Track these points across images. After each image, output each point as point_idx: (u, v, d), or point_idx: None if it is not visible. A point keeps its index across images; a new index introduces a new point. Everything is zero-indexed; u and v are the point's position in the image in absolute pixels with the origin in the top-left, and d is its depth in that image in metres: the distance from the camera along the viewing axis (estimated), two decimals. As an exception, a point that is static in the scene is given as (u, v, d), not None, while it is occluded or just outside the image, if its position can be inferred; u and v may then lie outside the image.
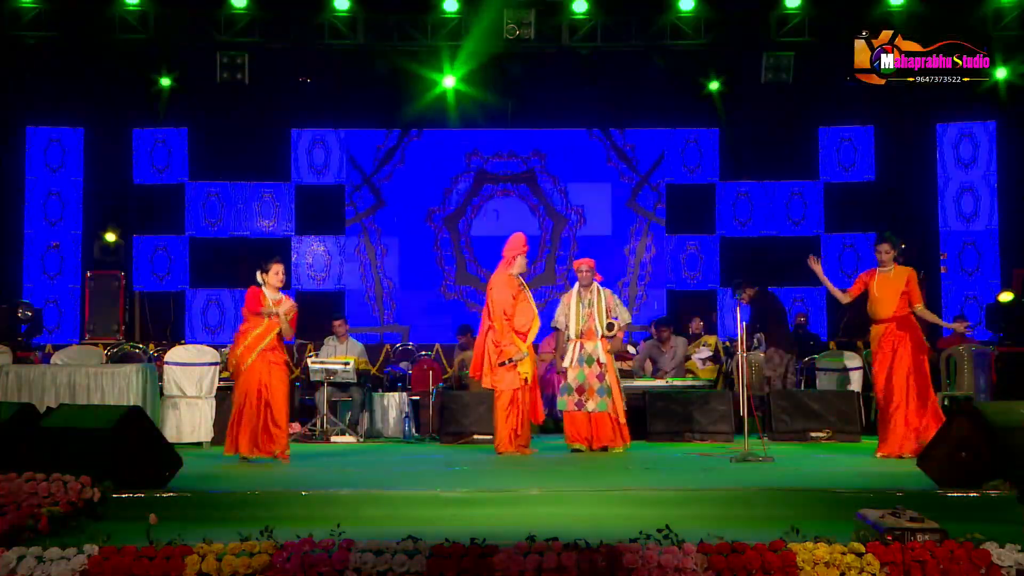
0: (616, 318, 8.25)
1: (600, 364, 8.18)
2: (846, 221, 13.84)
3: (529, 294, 8.40)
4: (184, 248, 14.01)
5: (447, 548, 4.12)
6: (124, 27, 12.07)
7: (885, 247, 7.86)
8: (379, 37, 12.33)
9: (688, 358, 11.07)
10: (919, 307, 7.83)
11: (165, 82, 12.95)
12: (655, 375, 10.52)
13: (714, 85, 13.17)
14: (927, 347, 7.90)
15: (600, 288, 8.37)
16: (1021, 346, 10.37)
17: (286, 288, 8.45)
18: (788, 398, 9.56)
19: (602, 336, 8.22)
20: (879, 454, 7.71)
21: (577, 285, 8.39)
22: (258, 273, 7.80)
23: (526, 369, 8.12)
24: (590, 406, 8.11)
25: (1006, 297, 11.34)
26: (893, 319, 7.78)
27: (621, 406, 8.24)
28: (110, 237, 13.21)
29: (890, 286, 7.79)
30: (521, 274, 8.38)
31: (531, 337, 8.22)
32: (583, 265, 8.39)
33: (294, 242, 14.10)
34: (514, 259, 8.29)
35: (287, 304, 7.80)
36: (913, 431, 7.59)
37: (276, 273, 7.80)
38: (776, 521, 4.73)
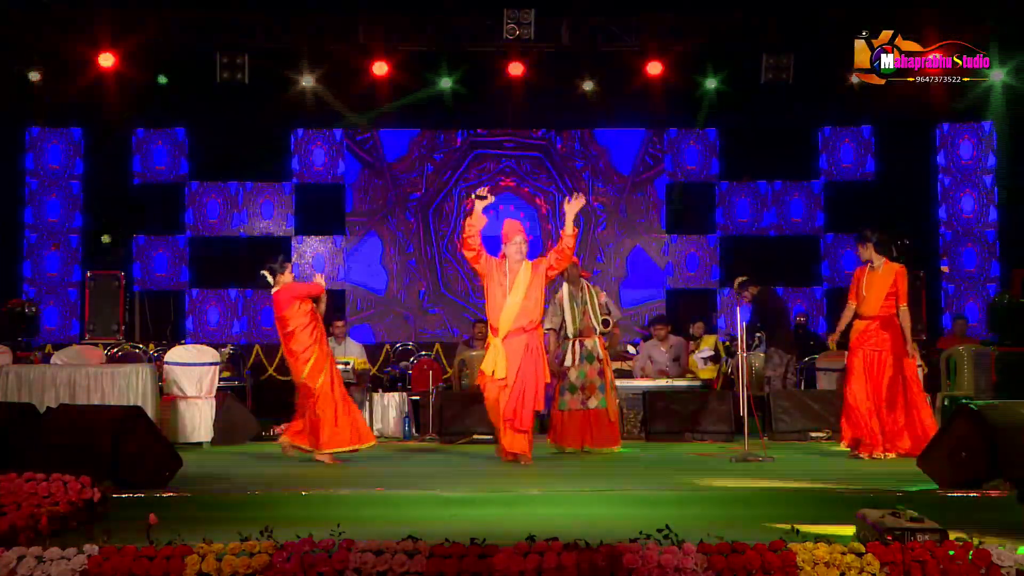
0: (610, 313, 8.34)
1: (600, 360, 8.26)
2: (846, 221, 13.83)
3: (499, 282, 7.53)
4: (184, 248, 14.01)
5: (447, 548, 4.12)
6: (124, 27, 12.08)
7: (860, 247, 7.91)
8: (379, 37, 12.34)
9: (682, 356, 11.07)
10: (902, 307, 7.79)
11: (165, 78, 12.92)
12: (655, 374, 10.52)
13: (712, 84, 13.14)
14: (904, 352, 7.85)
15: (589, 285, 8.42)
16: (1021, 346, 10.36)
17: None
18: (788, 398, 9.57)
19: (599, 333, 8.26)
20: (844, 444, 7.86)
21: (566, 285, 8.38)
22: (271, 275, 7.73)
23: (486, 365, 7.50)
24: (592, 403, 8.15)
25: None
26: (877, 318, 7.81)
27: (615, 405, 8.32)
28: (106, 238, 13.23)
29: (877, 284, 7.80)
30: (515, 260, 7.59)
31: (503, 330, 7.46)
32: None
33: (294, 242, 14.10)
34: (505, 246, 7.70)
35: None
36: (887, 433, 7.69)
37: (291, 272, 7.85)
38: (776, 521, 4.73)
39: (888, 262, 7.86)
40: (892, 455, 7.65)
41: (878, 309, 7.79)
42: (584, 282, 8.41)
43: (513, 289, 7.48)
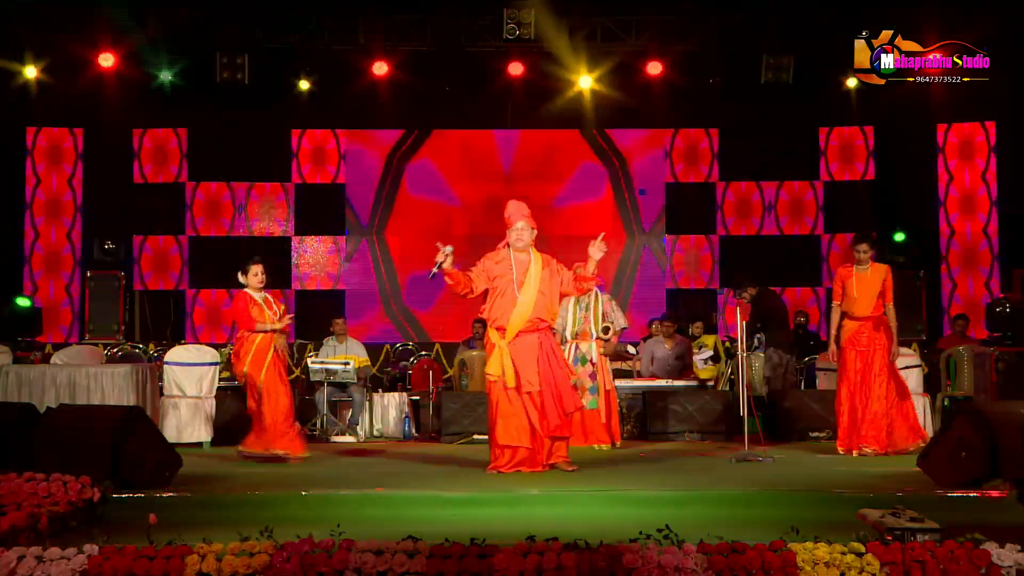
0: (612, 322, 8.43)
1: (593, 364, 8.40)
2: (846, 221, 13.82)
3: (505, 277, 6.83)
4: (184, 248, 14.00)
5: (447, 548, 4.12)
6: (124, 27, 12.08)
7: (864, 247, 7.95)
8: (380, 37, 12.35)
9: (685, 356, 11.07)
10: (889, 306, 7.94)
11: (165, 78, 12.89)
12: (653, 370, 10.51)
13: (710, 84, 13.14)
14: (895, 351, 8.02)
15: (598, 292, 8.51)
16: (1021, 346, 10.37)
17: (286, 288, 8.52)
18: (788, 398, 9.57)
19: (596, 338, 8.36)
20: (843, 449, 7.93)
21: None
22: (239, 275, 7.92)
23: (493, 369, 6.80)
24: (581, 403, 8.21)
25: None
26: (869, 319, 7.91)
27: (614, 407, 8.45)
28: (109, 245, 13.26)
29: (868, 285, 7.91)
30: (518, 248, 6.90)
31: (512, 330, 6.73)
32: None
33: (294, 242, 14.10)
34: (505, 232, 6.99)
35: (286, 319, 7.94)
36: (883, 429, 7.79)
37: (255, 274, 7.91)
38: (776, 521, 4.73)
39: (874, 263, 8.02)
40: (870, 451, 7.76)
41: (870, 310, 7.91)
42: (595, 289, 8.47)
43: (525, 285, 6.76)
